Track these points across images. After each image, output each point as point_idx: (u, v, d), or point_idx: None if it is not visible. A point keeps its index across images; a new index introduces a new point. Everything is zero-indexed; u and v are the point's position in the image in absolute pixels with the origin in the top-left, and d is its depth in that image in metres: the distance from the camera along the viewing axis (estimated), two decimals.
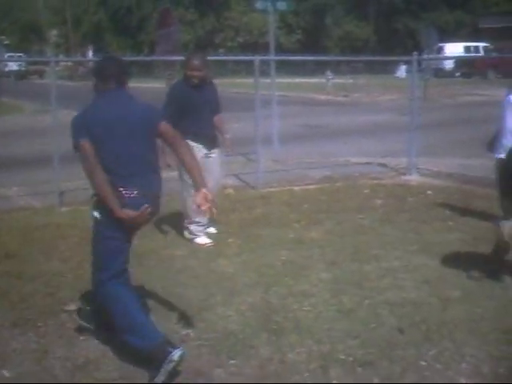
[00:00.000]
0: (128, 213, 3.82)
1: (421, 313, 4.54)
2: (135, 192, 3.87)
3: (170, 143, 4.11)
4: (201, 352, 4.07)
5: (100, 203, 3.89)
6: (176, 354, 3.68)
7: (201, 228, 6.54)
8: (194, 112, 6.34)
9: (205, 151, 6.41)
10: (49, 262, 5.83)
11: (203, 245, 6.41)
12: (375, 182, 9.39)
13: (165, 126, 4.04)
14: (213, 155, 6.58)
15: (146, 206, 3.88)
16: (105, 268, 3.98)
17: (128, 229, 3.97)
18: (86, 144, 3.88)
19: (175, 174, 6.30)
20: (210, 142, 6.54)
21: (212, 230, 6.76)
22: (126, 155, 3.93)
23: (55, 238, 6.57)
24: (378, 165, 10.73)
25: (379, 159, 11.05)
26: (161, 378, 3.65)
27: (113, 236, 3.93)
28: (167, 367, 3.65)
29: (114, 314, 3.93)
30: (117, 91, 4.08)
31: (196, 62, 6.37)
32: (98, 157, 3.86)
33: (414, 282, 5.20)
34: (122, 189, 3.86)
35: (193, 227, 6.52)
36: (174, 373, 3.70)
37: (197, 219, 6.43)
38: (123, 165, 3.91)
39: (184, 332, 4.35)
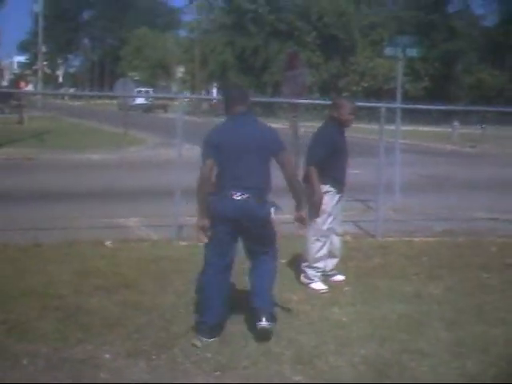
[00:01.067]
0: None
1: None
2: None
3: (287, 174, 4.87)
4: None
5: None
6: None
7: (318, 273, 6.43)
8: (341, 157, 6.40)
9: (337, 197, 6.40)
10: (164, 295, 5.90)
11: (318, 290, 6.29)
12: (503, 239, 8.92)
13: (288, 158, 4.86)
14: (342, 201, 6.55)
15: None
16: None
17: None
18: (210, 164, 4.70)
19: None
20: (343, 188, 6.53)
21: (339, 277, 6.63)
22: (244, 172, 4.68)
23: (171, 272, 6.67)
24: (506, 221, 10.21)
25: (508, 215, 10.52)
26: None
27: None
28: None
29: None
30: (244, 115, 4.83)
31: (354, 105, 6.44)
32: (221, 170, 4.68)
33: None
34: None
35: (310, 272, 6.41)
36: None
37: (315, 264, 6.36)
38: (240, 179, 4.69)
39: (295, 378, 4.25)
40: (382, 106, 9.24)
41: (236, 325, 5.18)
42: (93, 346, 4.65)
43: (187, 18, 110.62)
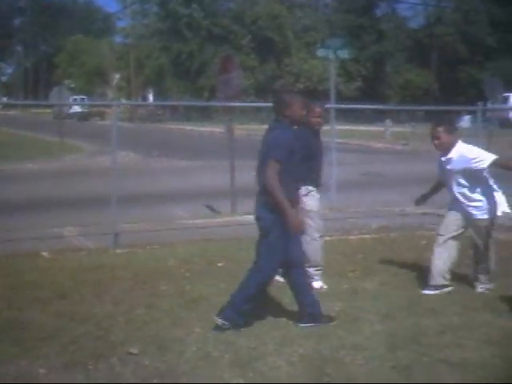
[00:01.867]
0: None
1: (483, 375, 4.33)
2: None
3: None
4: None
5: None
6: None
7: (318, 272, 6.55)
8: (316, 158, 6.57)
9: (318, 196, 6.59)
10: (101, 304, 5.84)
11: (320, 289, 6.36)
12: (433, 233, 9.13)
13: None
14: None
15: None
16: None
17: None
18: (280, 164, 5.02)
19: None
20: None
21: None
22: (295, 174, 5.22)
23: (108, 280, 6.61)
24: (436, 215, 10.46)
25: (437, 210, 10.78)
26: None
27: None
28: None
29: None
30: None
31: (320, 108, 6.63)
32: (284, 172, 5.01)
33: (476, 341, 4.97)
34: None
35: (311, 271, 6.40)
36: None
37: (315, 263, 6.49)
38: (293, 181, 5.21)
39: (234, 381, 4.27)
40: None
41: (174, 330, 5.18)
42: (27, 361, 4.54)
43: (122, 23, 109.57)
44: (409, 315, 5.54)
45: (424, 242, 8.51)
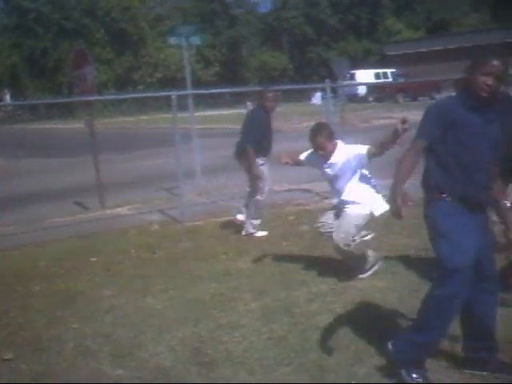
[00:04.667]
0: None
1: (350, 334, 4.60)
2: None
3: None
4: None
5: None
6: None
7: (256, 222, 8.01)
8: (270, 134, 8.04)
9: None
10: None
11: (262, 237, 7.85)
12: (300, 208, 9.51)
13: None
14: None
15: None
16: None
17: None
18: None
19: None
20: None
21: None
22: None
23: None
24: (302, 191, 10.86)
25: (304, 185, 11.18)
26: None
27: None
28: None
29: None
30: None
31: (272, 94, 8.06)
32: None
33: (342, 303, 5.27)
34: None
35: (253, 222, 7.97)
36: None
37: (256, 217, 8.00)
38: None
39: (115, 373, 4.28)
40: (173, 93, 9.34)
41: (50, 329, 5.11)
42: None
43: None
44: (281, 289, 5.74)
45: (291, 218, 8.82)
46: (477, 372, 3.92)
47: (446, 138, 3.64)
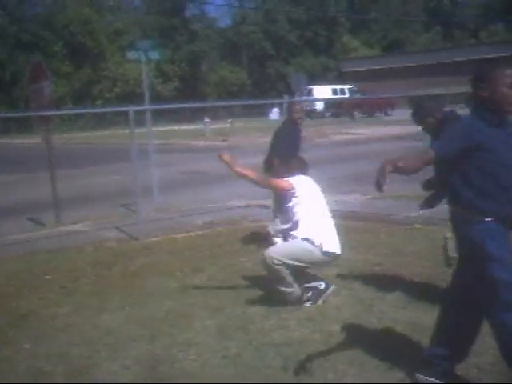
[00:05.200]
0: None
1: (305, 350, 4.62)
2: None
3: None
4: None
5: None
6: None
7: None
8: (298, 146, 7.95)
9: None
10: None
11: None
12: (256, 224, 9.52)
13: None
14: None
15: None
16: None
17: None
18: None
19: None
20: None
21: None
22: None
23: None
24: (258, 206, 10.88)
25: (260, 201, 11.21)
26: None
27: None
28: None
29: None
30: None
31: (299, 106, 8.22)
32: None
33: (298, 320, 5.31)
34: None
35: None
36: None
37: None
38: None
39: None
40: (130, 109, 9.32)
41: (1, 350, 5.02)
42: None
43: None
44: (237, 306, 5.74)
45: (248, 234, 8.84)
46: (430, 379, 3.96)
47: (473, 158, 3.56)
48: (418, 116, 5.39)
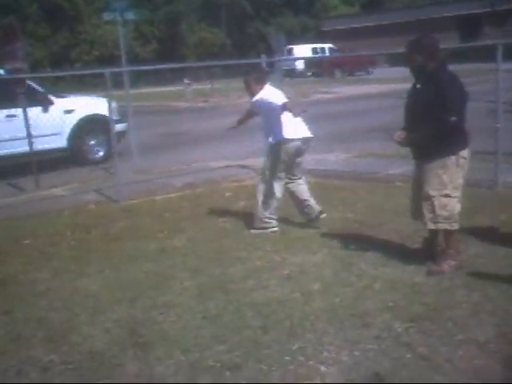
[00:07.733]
0: None
1: (284, 309, 4.63)
2: None
3: None
4: (65, 377, 3.94)
5: None
6: None
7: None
8: None
9: None
10: None
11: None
12: (236, 184, 9.49)
13: None
14: None
15: None
16: None
17: None
18: None
19: None
20: None
21: None
22: None
23: None
24: (239, 167, 10.84)
25: (241, 161, 11.16)
26: None
27: None
28: None
29: None
30: None
31: None
32: None
33: (278, 279, 5.31)
34: None
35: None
36: None
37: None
38: None
39: (47, 358, 4.20)
40: (106, 71, 9.16)
41: None
42: None
43: None
44: (217, 266, 5.73)
45: (228, 194, 8.80)
46: None
47: None
48: (410, 48, 5.22)
